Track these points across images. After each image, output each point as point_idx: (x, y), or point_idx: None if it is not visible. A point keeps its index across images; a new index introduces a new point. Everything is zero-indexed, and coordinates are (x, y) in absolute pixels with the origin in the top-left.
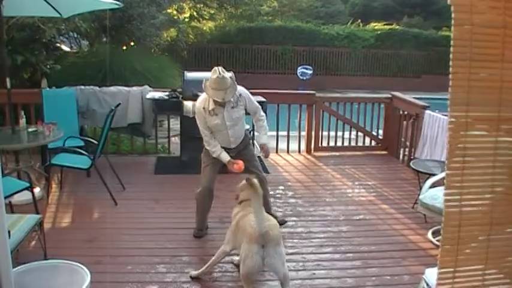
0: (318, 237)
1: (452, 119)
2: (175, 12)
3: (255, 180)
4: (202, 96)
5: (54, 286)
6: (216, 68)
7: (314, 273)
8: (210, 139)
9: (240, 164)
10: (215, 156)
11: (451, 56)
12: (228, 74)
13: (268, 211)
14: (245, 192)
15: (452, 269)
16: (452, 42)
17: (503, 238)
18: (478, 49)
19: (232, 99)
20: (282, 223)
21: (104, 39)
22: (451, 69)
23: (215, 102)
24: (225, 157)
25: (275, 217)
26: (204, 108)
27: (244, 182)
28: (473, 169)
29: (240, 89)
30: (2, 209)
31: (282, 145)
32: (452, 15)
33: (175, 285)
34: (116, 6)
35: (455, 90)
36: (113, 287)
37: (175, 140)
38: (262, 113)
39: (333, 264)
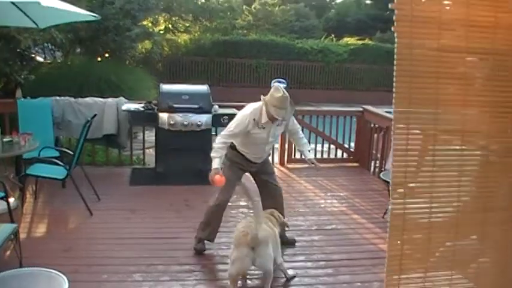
0: (291, 246)
1: (417, 131)
2: (150, 24)
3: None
4: (255, 107)
5: None
6: (278, 85)
7: (290, 282)
8: (227, 140)
9: (222, 180)
10: (213, 155)
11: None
12: (288, 95)
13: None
14: None
15: (422, 275)
16: (395, 62)
17: (467, 245)
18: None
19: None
20: (294, 242)
21: (78, 50)
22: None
23: (270, 118)
24: (216, 164)
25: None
26: (254, 119)
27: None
28: (442, 180)
29: None
30: None
31: None
32: (396, 40)
33: None
34: (94, 18)
35: (423, 104)
36: None
37: (150, 152)
38: (302, 132)
39: (305, 272)
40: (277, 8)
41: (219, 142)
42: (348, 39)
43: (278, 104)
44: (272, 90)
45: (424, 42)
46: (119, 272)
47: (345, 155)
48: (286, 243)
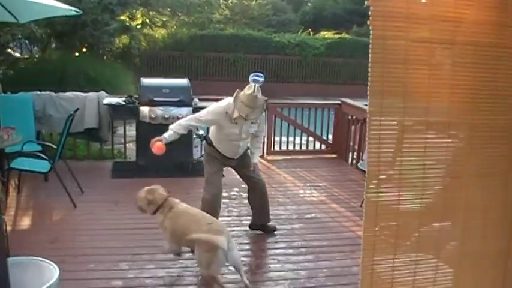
0: (272, 235)
1: (394, 123)
2: (127, 19)
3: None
4: (230, 101)
5: (24, 281)
6: (253, 84)
7: (269, 267)
8: (191, 125)
9: (161, 148)
10: (170, 127)
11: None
12: (262, 97)
13: (265, 222)
14: (158, 196)
15: (392, 256)
16: (370, 51)
17: (433, 231)
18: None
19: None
20: (274, 229)
21: (54, 45)
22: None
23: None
24: (166, 134)
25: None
26: (227, 113)
27: (145, 189)
28: (410, 169)
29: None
30: None
31: None
32: (371, 32)
33: (138, 281)
34: (75, 13)
35: (394, 94)
36: (79, 284)
37: (131, 146)
38: (263, 136)
39: (287, 259)
40: (254, 2)
41: (184, 121)
42: (325, 33)
43: (245, 101)
44: (247, 87)
45: (395, 34)
46: (105, 261)
47: (323, 147)
48: (268, 231)
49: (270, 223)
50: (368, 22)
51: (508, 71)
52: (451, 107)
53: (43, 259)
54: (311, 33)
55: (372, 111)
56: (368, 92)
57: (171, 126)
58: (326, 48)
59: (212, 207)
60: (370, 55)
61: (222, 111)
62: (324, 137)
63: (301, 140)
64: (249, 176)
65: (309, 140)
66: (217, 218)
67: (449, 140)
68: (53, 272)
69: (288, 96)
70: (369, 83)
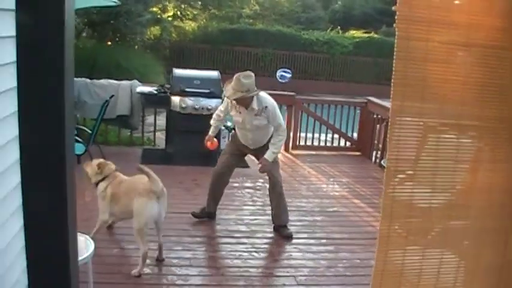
0: (295, 225)
1: (421, 123)
2: (159, 11)
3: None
4: None
5: None
6: (249, 71)
7: (291, 255)
8: (217, 114)
9: (214, 144)
10: (211, 123)
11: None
12: (249, 84)
13: (278, 224)
14: (106, 169)
15: (403, 250)
16: (395, 50)
17: (459, 225)
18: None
19: (256, 108)
20: (288, 236)
21: (84, 34)
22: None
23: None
24: (210, 131)
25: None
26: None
27: (89, 163)
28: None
29: (269, 102)
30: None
31: None
32: (396, 33)
33: (165, 261)
34: (114, 4)
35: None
36: (110, 260)
37: (159, 135)
38: (282, 133)
39: (308, 248)
40: None
41: (214, 114)
42: (354, 32)
43: (232, 83)
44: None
45: (417, 36)
46: (134, 241)
47: (348, 144)
48: (282, 235)
49: (286, 229)
50: (394, 25)
51: None
52: (465, 105)
53: (79, 233)
54: (340, 31)
55: (394, 107)
56: (392, 85)
57: (211, 122)
58: (354, 47)
59: (212, 183)
60: (395, 53)
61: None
62: (349, 135)
63: (326, 136)
64: (269, 171)
65: (334, 137)
66: (218, 195)
67: (469, 140)
68: (88, 245)
69: (314, 93)
70: (392, 78)
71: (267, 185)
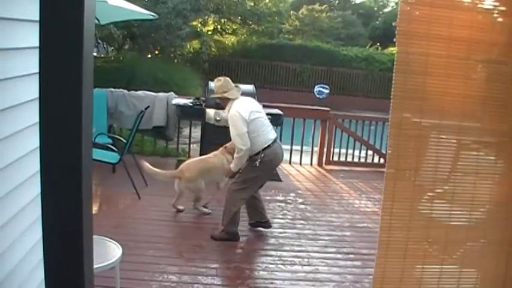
0: (323, 239)
1: (454, 141)
2: (199, 25)
3: None
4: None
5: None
6: (222, 76)
7: (317, 269)
8: None
9: None
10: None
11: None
12: (217, 87)
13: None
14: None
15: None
16: (395, 63)
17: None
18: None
19: (225, 114)
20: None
21: (126, 46)
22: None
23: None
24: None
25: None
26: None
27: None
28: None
29: (231, 111)
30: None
31: (295, 157)
32: (396, 48)
33: (193, 269)
34: (152, 18)
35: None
36: (138, 266)
37: (194, 147)
38: (237, 149)
39: (335, 263)
40: (324, 15)
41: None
42: (393, 48)
43: None
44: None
45: (416, 50)
46: (164, 249)
47: (382, 161)
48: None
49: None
50: (394, 39)
51: None
52: (464, 112)
53: (108, 239)
54: (379, 48)
55: (393, 119)
56: (391, 98)
57: None
58: (393, 64)
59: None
60: (394, 67)
61: None
62: (383, 151)
63: (360, 152)
64: None
65: (368, 154)
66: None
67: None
68: (116, 250)
69: (352, 109)
70: (392, 90)
71: (298, 199)
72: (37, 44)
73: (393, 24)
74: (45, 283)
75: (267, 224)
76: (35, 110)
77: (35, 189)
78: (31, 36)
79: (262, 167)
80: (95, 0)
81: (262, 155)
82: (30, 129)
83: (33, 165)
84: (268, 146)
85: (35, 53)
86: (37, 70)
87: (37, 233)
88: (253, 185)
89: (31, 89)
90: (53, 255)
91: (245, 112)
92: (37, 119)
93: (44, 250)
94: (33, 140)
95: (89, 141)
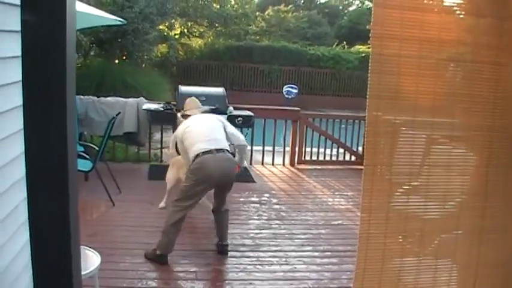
0: (299, 238)
1: (426, 136)
2: (166, 28)
3: None
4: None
5: None
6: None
7: (295, 267)
8: None
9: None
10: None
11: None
12: (187, 103)
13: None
14: None
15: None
16: (370, 64)
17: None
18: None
19: None
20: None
21: (92, 52)
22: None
23: None
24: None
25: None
26: None
27: None
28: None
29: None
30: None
31: (268, 158)
32: (371, 49)
33: (172, 274)
34: (120, 23)
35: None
36: (116, 274)
37: (165, 152)
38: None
39: (312, 261)
40: (290, 15)
41: None
42: (360, 47)
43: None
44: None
45: (389, 52)
46: (141, 255)
47: (353, 158)
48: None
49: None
50: (369, 41)
51: (484, 83)
52: (435, 109)
53: (86, 247)
54: (346, 46)
55: (369, 118)
56: (367, 98)
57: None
58: (360, 62)
59: None
60: (370, 67)
61: None
62: (354, 149)
63: (331, 151)
64: None
65: (339, 151)
66: None
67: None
68: (94, 258)
69: (321, 108)
70: (368, 89)
71: (273, 199)
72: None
73: (367, 27)
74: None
75: (220, 248)
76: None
77: (21, 193)
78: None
79: (190, 175)
80: (75, 8)
81: (190, 165)
82: (15, 136)
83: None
84: (197, 155)
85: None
86: (19, 79)
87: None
88: (186, 196)
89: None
90: (41, 259)
91: (180, 131)
92: (21, 126)
93: (31, 254)
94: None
95: (73, 143)
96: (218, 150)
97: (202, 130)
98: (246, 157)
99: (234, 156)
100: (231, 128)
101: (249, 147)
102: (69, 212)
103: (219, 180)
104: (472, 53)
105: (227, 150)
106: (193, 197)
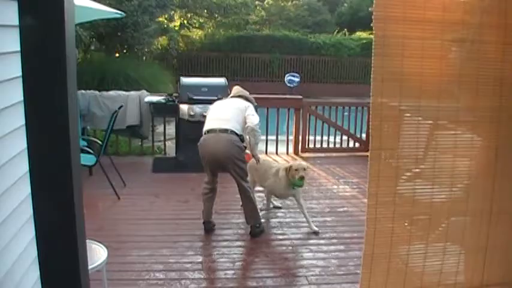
0: (305, 226)
1: (429, 119)
2: (165, 21)
3: None
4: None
5: None
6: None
7: (302, 255)
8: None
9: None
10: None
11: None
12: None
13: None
14: None
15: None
16: (373, 46)
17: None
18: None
19: None
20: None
21: (93, 47)
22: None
23: None
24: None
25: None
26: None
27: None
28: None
29: None
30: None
31: (271, 147)
32: (374, 31)
33: (178, 265)
34: (119, 16)
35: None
36: (124, 266)
37: (169, 144)
38: None
39: (319, 248)
40: (290, 3)
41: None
42: (361, 33)
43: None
44: (241, 89)
45: (393, 33)
46: (148, 247)
47: (357, 145)
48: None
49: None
50: (371, 24)
51: (489, 63)
52: (440, 91)
53: (93, 241)
54: (346, 33)
55: (374, 101)
56: (371, 81)
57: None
58: (361, 49)
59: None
60: (373, 50)
61: None
62: (358, 136)
63: (335, 138)
64: None
65: (343, 139)
66: None
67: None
68: (101, 252)
69: (324, 96)
70: (372, 72)
71: None
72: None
73: (370, 9)
74: (41, 284)
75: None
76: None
77: (25, 190)
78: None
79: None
80: (73, 2)
81: None
82: (17, 132)
83: (23, 166)
84: (204, 133)
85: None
86: (19, 74)
87: (30, 233)
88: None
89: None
90: (48, 256)
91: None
92: (22, 122)
93: (38, 251)
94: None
95: (76, 138)
96: (222, 130)
97: (216, 110)
98: (256, 142)
99: (243, 141)
100: (252, 112)
101: (259, 133)
102: (74, 207)
103: (216, 158)
104: (477, 33)
105: (232, 131)
106: (205, 172)
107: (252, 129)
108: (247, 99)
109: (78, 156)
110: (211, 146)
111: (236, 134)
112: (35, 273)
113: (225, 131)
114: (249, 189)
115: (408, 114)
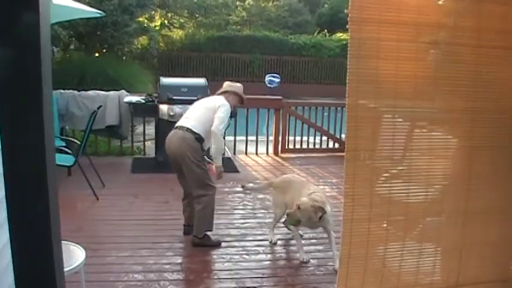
0: (284, 227)
1: (405, 120)
2: (146, 20)
3: None
4: (223, 99)
5: None
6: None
7: (281, 256)
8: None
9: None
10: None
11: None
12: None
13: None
14: None
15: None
16: (349, 48)
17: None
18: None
19: None
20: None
21: (72, 46)
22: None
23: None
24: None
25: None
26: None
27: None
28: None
29: None
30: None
31: (251, 147)
32: (349, 33)
33: (157, 266)
34: (99, 15)
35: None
36: (103, 268)
37: (148, 144)
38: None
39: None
40: (270, 4)
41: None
42: (341, 34)
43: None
44: (229, 84)
45: (368, 36)
46: (127, 248)
47: (337, 145)
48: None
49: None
50: (347, 26)
51: (464, 65)
52: (416, 93)
53: (71, 242)
54: (327, 34)
55: (349, 102)
56: (347, 83)
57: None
58: (341, 50)
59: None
60: (348, 52)
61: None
62: (338, 136)
63: (314, 139)
64: None
65: (323, 139)
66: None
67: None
68: (79, 253)
69: (304, 96)
70: (347, 73)
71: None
72: None
73: (345, 11)
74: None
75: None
76: None
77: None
78: None
79: None
80: (50, 2)
81: None
82: None
83: None
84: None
85: None
86: None
87: (5, 236)
88: None
89: None
90: (21, 258)
91: None
92: None
93: (12, 253)
94: None
95: (51, 138)
96: (180, 127)
97: (189, 109)
98: (216, 148)
99: (201, 141)
100: (219, 113)
101: (220, 137)
102: (49, 208)
103: (171, 155)
104: (451, 36)
105: (189, 129)
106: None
107: (212, 132)
108: (235, 93)
109: (53, 156)
110: (167, 142)
111: (193, 132)
112: (9, 276)
113: (182, 128)
114: (202, 198)
115: (384, 116)
